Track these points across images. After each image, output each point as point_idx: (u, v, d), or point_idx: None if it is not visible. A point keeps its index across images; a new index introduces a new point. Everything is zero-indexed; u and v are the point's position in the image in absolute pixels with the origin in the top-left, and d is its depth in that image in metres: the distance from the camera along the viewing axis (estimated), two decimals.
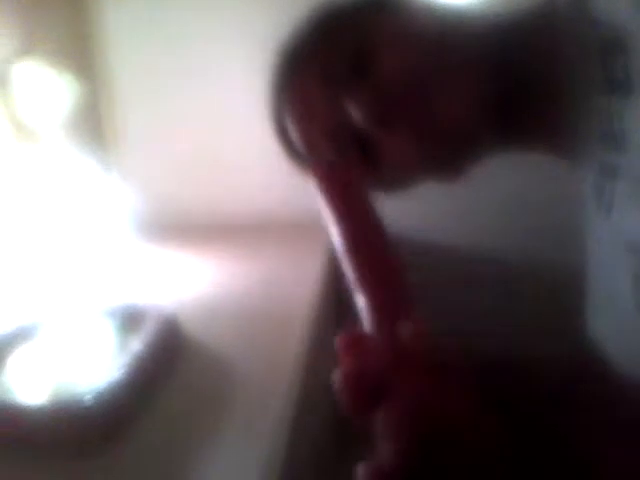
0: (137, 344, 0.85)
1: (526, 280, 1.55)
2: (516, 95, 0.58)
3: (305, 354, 0.89)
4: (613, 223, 0.51)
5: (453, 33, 0.58)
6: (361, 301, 0.39)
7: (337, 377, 0.34)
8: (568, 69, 0.55)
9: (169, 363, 0.86)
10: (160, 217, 1.49)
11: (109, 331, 0.95)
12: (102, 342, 0.92)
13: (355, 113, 0.57)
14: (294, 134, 0.64)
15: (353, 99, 0.57)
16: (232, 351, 0.90)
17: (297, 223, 1.35)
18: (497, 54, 0.57)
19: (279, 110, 0.65)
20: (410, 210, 1.36)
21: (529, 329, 1.43)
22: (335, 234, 0.42)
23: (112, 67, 1.53)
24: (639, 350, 0.51)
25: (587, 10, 0.52)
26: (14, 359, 0.86)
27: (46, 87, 1.27)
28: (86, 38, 1.49)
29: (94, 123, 1.52)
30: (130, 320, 0.95)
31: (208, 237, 1.44)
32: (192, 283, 1.21)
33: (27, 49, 1.20)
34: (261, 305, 1.06)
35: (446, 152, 0.60)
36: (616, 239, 0.52)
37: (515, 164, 0.74)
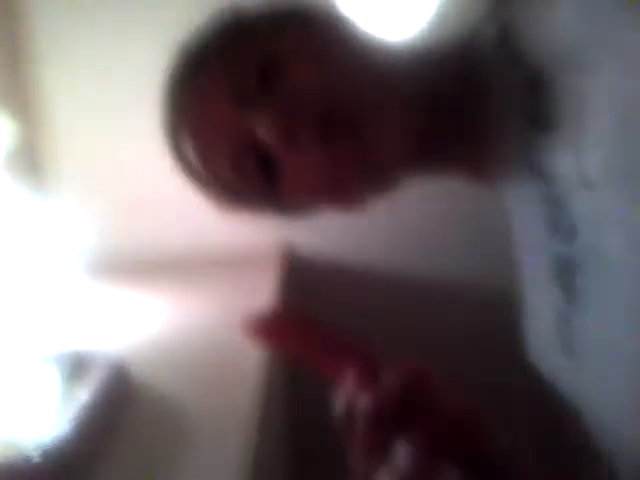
0: (84, 394, 0.83)
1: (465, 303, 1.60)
2: (438, 126, 0.57)
3: (260, 398, 0.88)
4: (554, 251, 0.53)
5: (374, 57, 0.57)
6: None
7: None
8: (492, 103, 0.56)
9: (118, 412, 0.84)
10: (104, 255, 1.46)
11: (54, 380, 0.92)
12: (47, 392, 0.90)
13: (259, 127, 0.54)
14: (190, 149, 0.59)
15: (257, 112, 0.54)
16: (183, 396, 0.89)
17: (245, 258, 1.36)
18: (420, 84, 0.57)
19: (175, 121, 0.60)
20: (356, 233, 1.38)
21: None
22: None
23: (48, 105, 1.51)
24: (568, 379, 0.53)
25: (510, 46, 0.54)
26: None
27: None
28: (22, 78, 1.46)
29: (32, 161, 1.49)
30: (76, 367, 0.92)
31: (153, 275, 1.41)
32: (140, 324, 1.19)
33: None
34: (212, 346, 1.05)
35: (355, 180, 0.57)
36: (548, 268, 0.54)
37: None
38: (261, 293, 1.25)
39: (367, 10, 1.32)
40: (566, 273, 0.51)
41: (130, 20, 1.46)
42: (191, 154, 0.59)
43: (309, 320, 0.41)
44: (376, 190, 0.60)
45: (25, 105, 1.48)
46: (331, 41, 0.57)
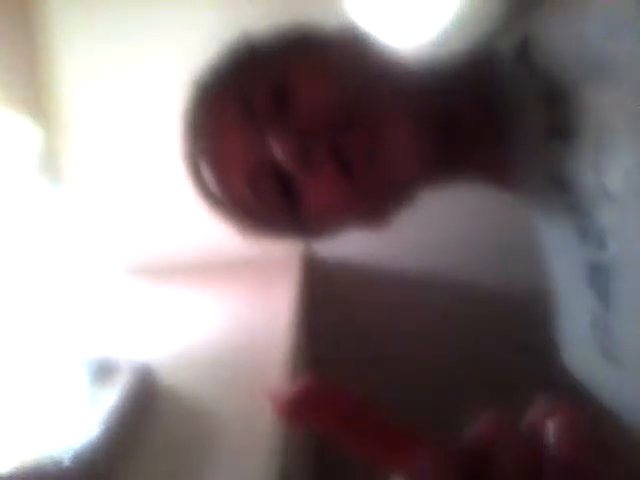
0: (112, 398, 0.83)
1: (497, 307, 1.58)
2: (455, 135, 0.57)
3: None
4: (581, 255, 0.53)
5: (387, 72, 0.57)
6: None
7: None
8: (510, 114, 0.56)
9: (146, 416, 0.84)
10: (126, 258, 1.47)
11: (82, 384, 0.93)
12: (75, 396, 0.90)
13: (273, 148, 0.54)
14: (208, 175, 0.59)
15: (274, 135, 0.54)
16: (209, 399, 0.89)
17: (266, 260, 1.36)
18: (435, 97, 0.57)
19: (193, 150, 0.60)
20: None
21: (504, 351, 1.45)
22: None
23: (68, 111, 1.53)
24: (607, 383, 0.53)
25: (529, 59, 0.53)
26: None
27: (3, 133, 1.26)
28: (41, 84, 1.49)
29: (53, 166, 1.51)
30: (103, 372, 0.93)
31: (174, 278, 1.43)
32: (163, 327, 1.20)
33: None
34: (236, 347, 1.06)
35: (378, 195, 0.57)
36: (580, 275, 0.54)
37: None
38: (282, 295, 1.25)
39: (380, 17, 1.32)
40: (599, 279, 0.51)
41: (149, 26, 1.47)
42: (210, 181, 0.60)
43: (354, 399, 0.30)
44: (397, 205, 0.60)
45: (45, 111, 1.50)
46: (341, 59, 0.57)
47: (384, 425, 0.29)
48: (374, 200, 0.58)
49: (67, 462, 0.70)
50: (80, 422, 0.81)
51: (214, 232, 1.49)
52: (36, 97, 1.48)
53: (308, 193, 0.56)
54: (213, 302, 1.30)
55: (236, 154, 0.57)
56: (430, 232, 1.47)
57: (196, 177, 0.61)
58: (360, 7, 1.32)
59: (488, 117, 0.57)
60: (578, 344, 0.56)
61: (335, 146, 0.53)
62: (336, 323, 1.52)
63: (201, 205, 0.64)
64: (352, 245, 1.58)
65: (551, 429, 0.27)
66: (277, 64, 0.57)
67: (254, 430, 0.80)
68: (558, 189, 0.53)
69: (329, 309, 1.51)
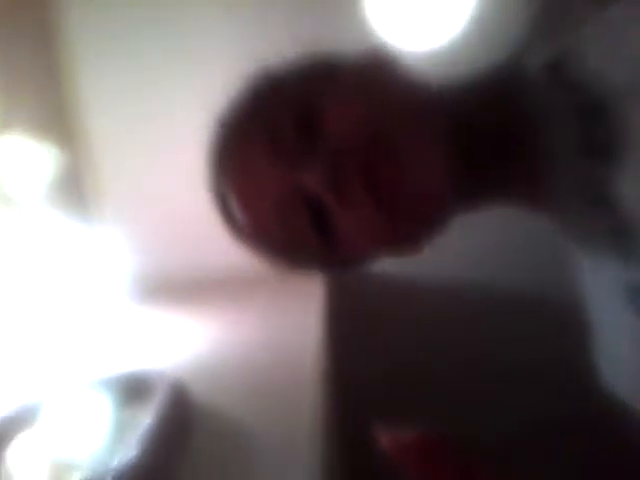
0: (148, 417, 0.83)
1: (527, 320, 1.56)
2: (484, 156, 0.56)
3: (319, 408, 0.88)
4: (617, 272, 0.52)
5: (414, 92, 0.57)
6: None
7: None
8: (541, 131, 0.55)
9: (183, 433, 0.84)
10: (150, 279, 1.47)
11: (114, 404, 0.93)
12: (108, 417, 0.90)
13: (306, 178, 0.53)
14: (237, 210, 0.59)
15: (305, 164, 0.54)
16: (243, 412, 0.89)
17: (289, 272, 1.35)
18: (463, 115, 0.56)
19: (220, 184, 0.60)
20: None
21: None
22: None
23: (91, 133, 1.53)
24: None
25: (563, 75, 0.53)
26: (15, 446, 0.82)
27: (28, 158, 1.26)
28: (65, 106, 1.49)
29: (76, 189, 1.51)
30: (135, 390, 0.93)
31: (200, 294, 1.42)
32: (191, 345, 1.20)
33: (7, 123, 1.19)
34: (265, 359, 1.06)
35: (411, 221, 0.57)
36: (620, 296, 0.53)
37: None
38: (310, 308, 1.25)
39: (399, 20, 1.31)
40: None
41: (176, 50, 1.48)
42: (238, 214, 0.60)
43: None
44: (430, 231, 0.59)
45: (69, 133, 1.50)
46: (366, 82, 0.57)
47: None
48: (408, 228, 0.58)
49: None
50: (117, 443, 0.80)
51: (239, 247, 1.51)
52: (60, 121, 1.48)
53: (344, 225, 0.55)
54: (240, 317, 1.30)
55: (264, 187, 0.56)
56: (461, 243, 1.46)
57: (223, 211, 0.62)
58: (379, 13, 1.32)
59: (518, 134, 0.57)
60: (620, 364, 0.55)
61: (367, 171, 0.52)
62: (365, 336, 1.51)
63: (229, 236, 0.64)
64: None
65: None
66: (301, 93, 0.56)
67: (291, 446, 0.80)
68: (598, 209, 0.52)
69: (357, 322, 1.50)
